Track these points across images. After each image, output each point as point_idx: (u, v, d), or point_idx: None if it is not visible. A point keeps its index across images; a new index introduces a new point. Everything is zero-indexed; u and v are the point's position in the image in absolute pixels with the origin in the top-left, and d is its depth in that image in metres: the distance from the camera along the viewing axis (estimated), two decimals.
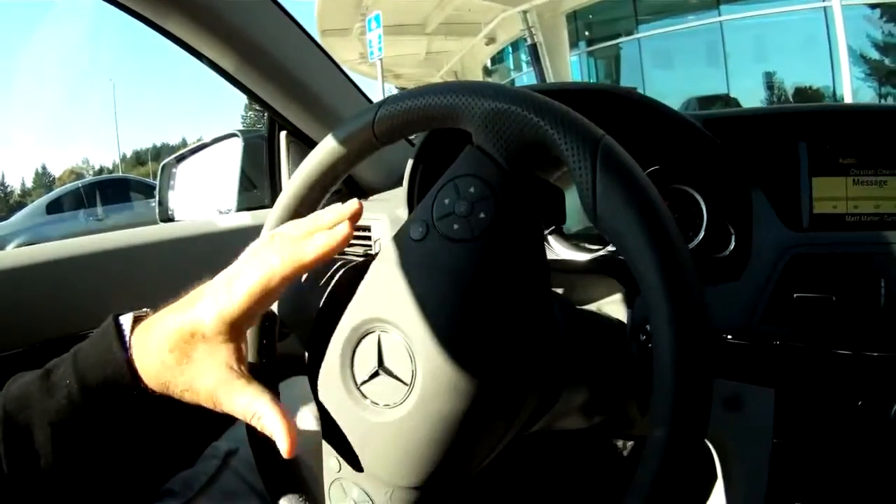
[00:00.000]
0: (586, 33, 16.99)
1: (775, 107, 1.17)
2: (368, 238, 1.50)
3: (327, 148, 0.81)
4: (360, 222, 1.44)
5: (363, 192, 1.75)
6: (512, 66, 20.65)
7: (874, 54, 12.41)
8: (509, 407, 0.69)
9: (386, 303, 0.69)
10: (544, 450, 1.80)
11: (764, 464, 1.04)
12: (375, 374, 0.68)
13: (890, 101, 12.36)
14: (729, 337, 1.04)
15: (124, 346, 0.71)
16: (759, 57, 13.88)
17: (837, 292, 0.99)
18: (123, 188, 15.31)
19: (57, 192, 16.00)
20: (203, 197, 2.01)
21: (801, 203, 1.06)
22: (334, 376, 0.71)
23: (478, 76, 22.47)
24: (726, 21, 13.44)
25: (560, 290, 1.16)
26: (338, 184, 0.85)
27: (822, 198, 1.05)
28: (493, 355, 0.66)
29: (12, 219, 15.21)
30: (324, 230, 0.72)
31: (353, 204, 0.75)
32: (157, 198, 2.14)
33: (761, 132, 1.10)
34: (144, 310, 0.75)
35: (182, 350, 0.69)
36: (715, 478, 1.14)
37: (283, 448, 0.67)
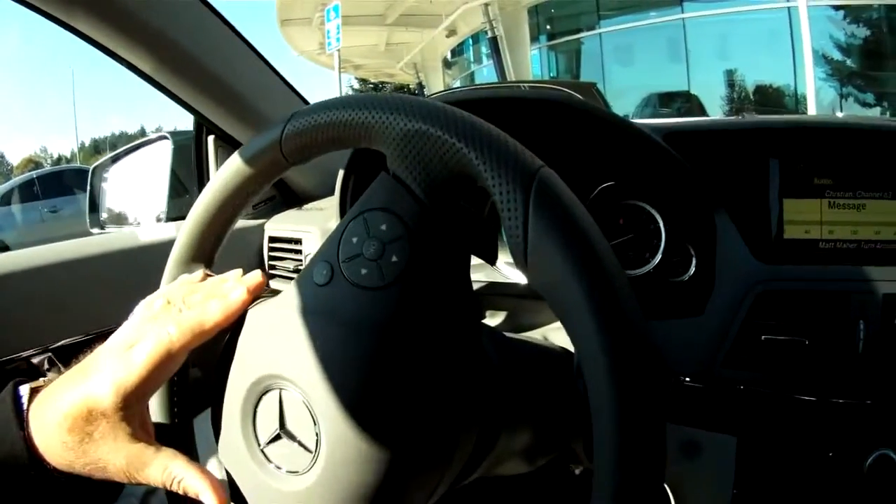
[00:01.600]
0: (548, 27, 17.10)
1: (745, 120, 1.07)
2: (300, 252, 1.42)
3: (233, 168, 0.71)
4: (292, 234, 1.37)
5: (298, 199, 1.64)
6: (472, 59, 20.80)
7: (836, 55, 12.58)
8: (431, 469, 0.60)
9: (285, 357, 0.60)
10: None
11: None
12: (278, 437, 0.60)
13: (850, 101, 12.56)
14: (687, 379, 0.96)
15: (21, 422, 0.63)
16: (722, 55, 14.04)
17: (811, 335, 0.91)
18: (82, 179, 14.97)
19: (10, 183, 15.90)
20: (135, 203, 1.91)
21: (770, 227, 0.97)
22: (236, 435, 0.63)
23: (438, 68, 22.65)
24: (689, 18, 13.52)
25: (502, 315, 1.10)
26: (250, 205, 0.77)
27: (793, 221, 0.97)
28: (406, 419, 0.57)
29: None
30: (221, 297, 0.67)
31: (256, 276, 0.70)
32: (87, 204, 2.02)
33: (729, 148, 1.01)
34: (42, 379, 0.68)
35: (82, 430, 0.61)
36: None
37: None
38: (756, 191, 0.98)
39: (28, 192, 13.80)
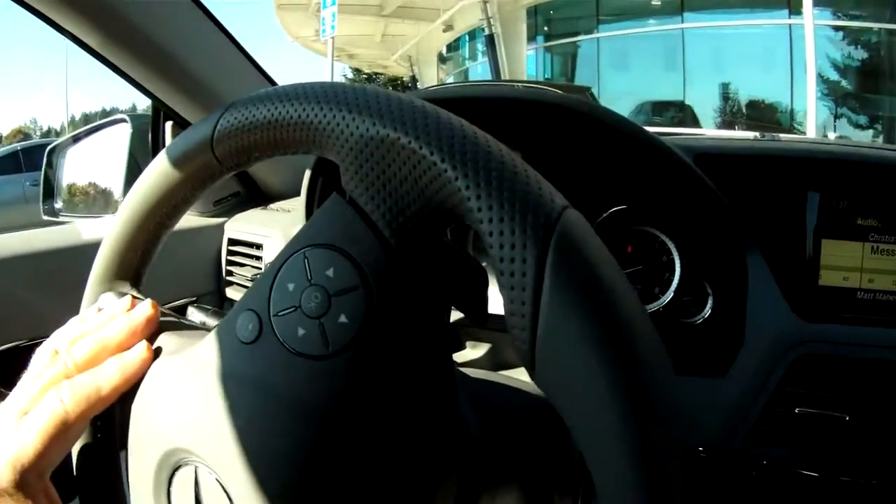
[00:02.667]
0: (545, 28, 17.11)
1: (784, 146, 0.93)
2: (260, 259, 1.28)
3: (159, 171, 0.58)
4: (252, 237, 1.22)
5: (265, 198, 1.49)
6: (467, 55, 20.81)
7: (832, 75, 12.58)
8: None
9: (198, 430, 0.46)
10: None
11: None
12: None
13: (843, 121, 12.57)
14: (701, 451, 0.81)
15: None
16: (718, 67, 14.05)
17: (853, 409, 0.77)
18: None
19: None
20: (92, 191, 1.77)
21: (804, 272, 0.84)
22: None
23: (432, 63, 22.62)
24: (688, 28, 13.50)
25: (485, 348, 0.99)
26: (182, 214, 0.63)
27: (831, 266, 0.84)
28: None
29: None
30: (115, 352, 0.56)
31: (144, 310, 0.57)
32: (41, 191, 1.88)
33: (765, 176, 0.87)
34: None
35: None
36: None
37: None
38: (792, 229, 0.85)
39: (11, 164, 13.70)
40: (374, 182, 0.41)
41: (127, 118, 1.61)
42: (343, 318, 0.41)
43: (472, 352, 0.98)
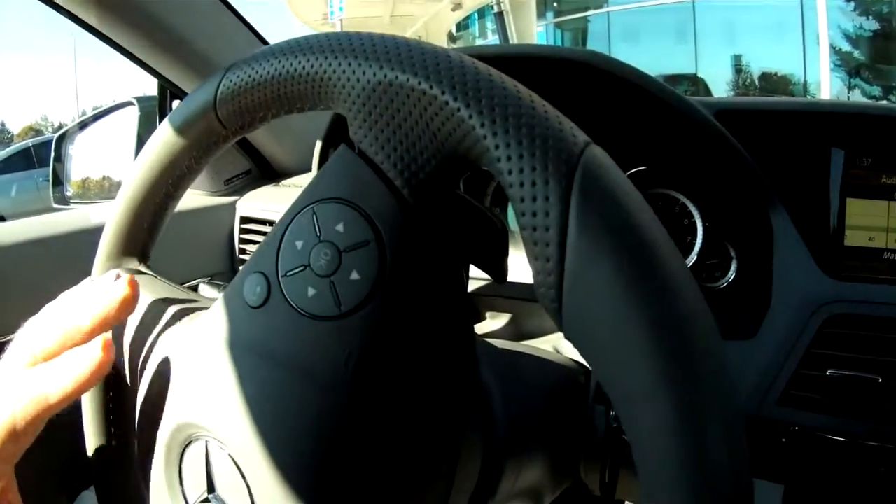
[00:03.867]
0: (555, 4, 17.12)
1: (807, 101, 0.91)
2: None
3: (163, 140, 0.57)
4: (265, 214, 1.22)
5: (276, 175, 1.47)
6: (477, 34, 20.80)
7: (845, 45, 12.56)
8: None
9: (206, 403, 0.45)
10: None
11: None
12: (207, 501, 0.46)
13: (857, 92, 12.60)
14: None
15: None
16: (729, 40, 14.06)
17: (885, 371, 0.75)
18: None
19: (6, 150, 15.99)
20: (99, 175, 1.82)
21: (830, 231, 0.82)
22: (163, 493, 0.50)
23: (443, 42, 22.57)
24: (699, 1, 13.47)
25: (505, 318, 0.97)
26: (188, 184, 0.62)
27: (856, 226, 0.82)
28: (368, 486, 0.41)
29: None
30: (80, 341, 0.51)
31: (117, 292, 0.50)
32: (50, 177, 1.89)
33: (789, 133, 0.85)
34: None
35: None
36: None
37: None
38: (816, 188, 0.83)
39: (23, 160, 13.90)
40: (383, 130, 0.39)
41: (134, 101, 1.62)
42: (355, 275, 0.39)
43: (492, 322, 0.97)
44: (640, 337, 0.30)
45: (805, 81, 12.22)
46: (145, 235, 0.64)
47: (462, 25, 21.65)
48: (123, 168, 1.64)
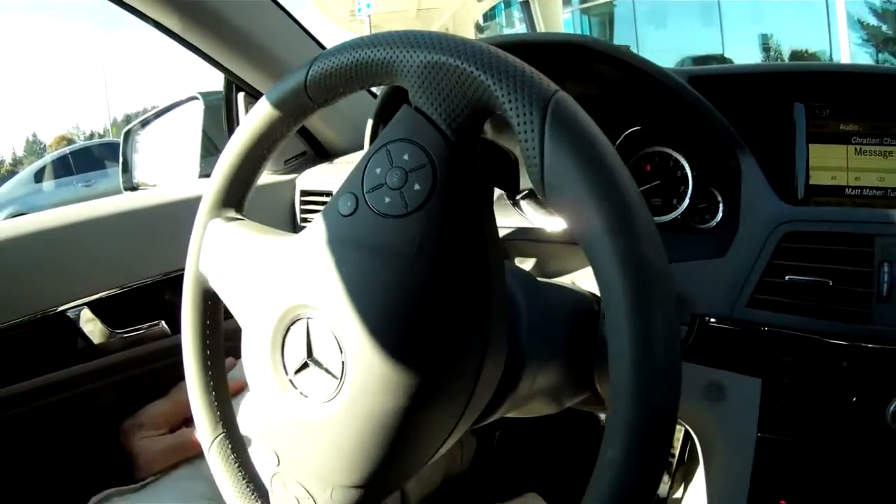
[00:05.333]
0: None
1: (770, 64, 1.08)
2: None
3: (261, 112, 0.73)
4: (324, 187, 1.44)
5: (329, 155, 1.66)
6: (504, 24, 20.57)
7: (872, 20, 12.37)
8: (455, 399, 0.61)
9: (312, 287, 0.62)
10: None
11: (747, 459, 0.98)
12: (305, 366, 0.63)
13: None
14: (712, 320, 0.96)
15: None
16: (756, 19, 13.84)
17: (835, 276, 0.91)
18: (115, 153, 15.14)
19: (45, 159, 16.18)
20: (166, 163, 1.95)
21: (797, 172, 0.98)
22: (265, 365, 0.66)
23: (470, 33, 22.40)
24: None
25: (531, 261, 1.12)
26: (278, 148, 0.78)
27: (819, 167, 0.98)
28: (429, 346, 0.59)
29: (1, 189, 15.31)
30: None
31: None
32: (120, 166, 2.06)
33: (754, 92, 1.01)
34: None
35: None
36: (697, 463, 1.09)
37: None
38: (782, 136, 0.99)
39: (62, 167, 14.18)
40: (432, 93, 0.57)
41: (199, 95, 1.78)
42: (417, 186, 0.57)
43: (520, 264, 1.13)
44: (589, 198, 0.50)
45: (831, 58, 11.92)
46: (242, 189, 0.81)
47: (489, 16, 21.27)
48: (190, 156, 1.78)
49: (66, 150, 15.95)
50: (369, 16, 16.46)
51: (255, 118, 0.74)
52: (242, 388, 1.05)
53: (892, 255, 0.88)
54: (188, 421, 1.04)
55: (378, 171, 0.59)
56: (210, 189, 0.81)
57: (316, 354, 0.61)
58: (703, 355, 0.96)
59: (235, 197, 0.81)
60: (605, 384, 0.80)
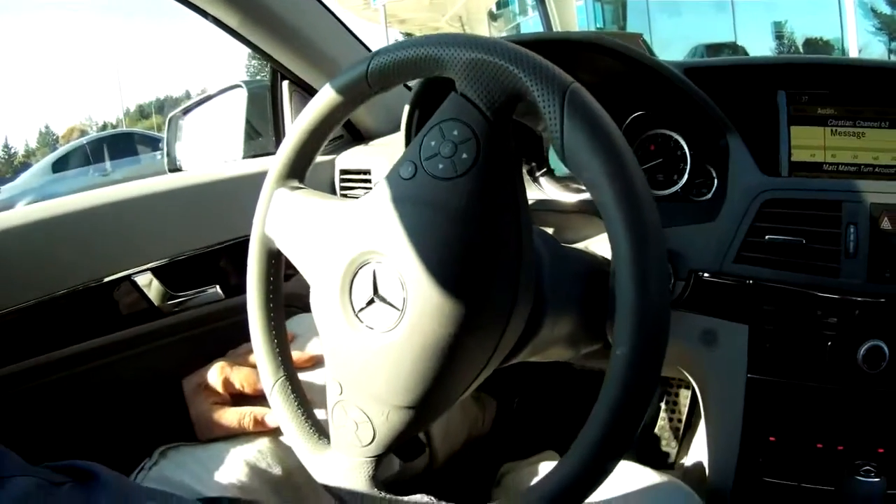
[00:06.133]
0: None
1: (756, 57, 1.21)
2: (369, 181, 1.57)
3: (326, 96, 0.86)
4: (361, 166, 1.55)
5: (364, 138, 1.80)
6: (518, 11, 20.31)
7: (886, 9, 12.27)
8: (491, 332, 0.74)
9: (380, 236, 0.74)
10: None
11: (739, 398, 1.09)
12: (371, 302, 0.74)
13: None
14: (705, 275, 1.08)
15: None
16: (769, 6, 13.73)
17: (808, 236, 1.03)
18: (129, 143, 15.29)
19: (62, 150, 16.03)
20: (209, 147, 2.04)
21: (780, 150, 1.10)
22: (334, 305, 0.78)
23: (483, 21, 22.13)
24: None
25: (550, 230, 1.22)
26: (337, 128, 0.92)
27: (800, 146, 1.10)
28: (474, 282, 0.71)
29: (18, 179, 15.25)
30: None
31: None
32: (164, 150, 2.15)
33: (741, 81, 1.14)
34: None
35: None
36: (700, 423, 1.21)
37: None
38: (766, 119, 1.11)
39: (79, 157, 14.09)
40: (474, 82, 0.72)
41: (242, 84, 1.89)
42: (464, 155, 0.71)
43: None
44: (598, 164, 0.65)
45: (843, 47, 11.81)
46: (305, 163, 0.93)
47: (502, 3, 20.88)
48: (234, 140, 1.88)
49: (83, 140, 15.78)
50: (384, 5, 16.38)
51: (320, 102, 0.87)
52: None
53: (856, 218, 1.00)
54: (248, 397, 1.11)
55: (433, 143, 0.73)
56: (276, 163, 0.93)
57: (381, 291, 0.74)
58: (697, 305, 1.09)
59: (299, 169, 0.94)
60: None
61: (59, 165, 13.99)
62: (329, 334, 0.80)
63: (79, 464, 0.79)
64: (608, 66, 1.14)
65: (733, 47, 12.27)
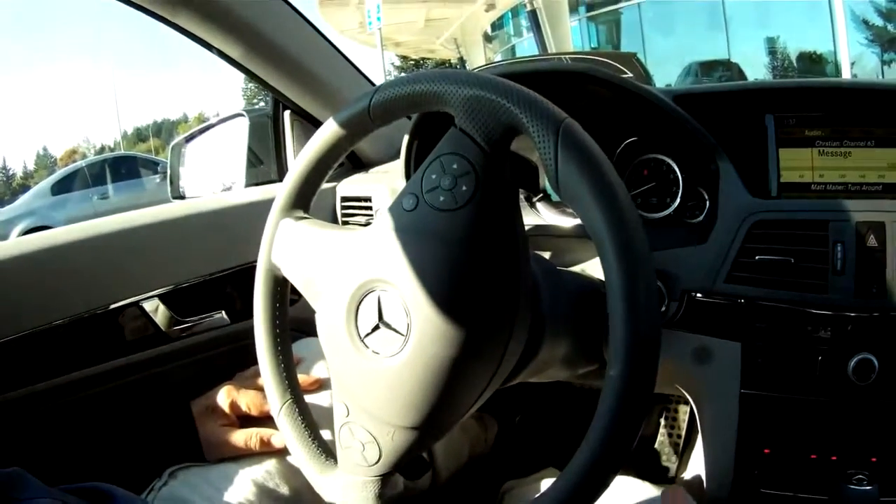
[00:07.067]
0: None
1: (743, 83, 1.24)
2: (370, 208, 1.59)
3: (329, 130, 0.90)
4: (362, 193, 1.57)
5: (364, 165, 1.82)
6: (512, 33, 20.32)
7: (877, 20, 12.30)
8: (492, 354, 0.77)
9: (384, 265, 0.77)
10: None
11: (733, 413, 1.11)
12: (376, 328, 0.77)
13: (894, 67, 12.24)
14: (698, 295, 1.11)
15: None
16: (761, 22, 13.76)
17: (796, 255, 1.05)
18: (129, 165, 15.31)
19: (60, 172, 16.02)
20: (212, 174, 2.07)
21: (769, 172, 1.13)
22: (340, 331, 0.80)
23: (478, 43, 22.22)
24: None
25: (547, 254, 1.25)
26: (340, 160, 0.95)
27: (788, 167, 1.13)
28: (475, 307, 0.74)
29: (17, 202, 15.31)
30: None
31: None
32: (168, 177, 2.18)
33: (729, 106, 1.17)
34: None
35: None
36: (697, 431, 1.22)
37: None
38: (755, 142, 1.14)
39: (79, 181, 14.09)
40: (472, 118, 0.75)
41: (244, 113, 1.92)
42: (464, 188, 0.74)
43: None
44: (590, 196, 0.68)
45: (836, 60, 11.87)
46: (309, 193, 0.96)
47: (497, 25, 20.98)
48: (236, 168, 1.91)
49: (82, 163, 15.77)
50: (380, 28, 16.45)
51: (323, 135, 0.90)
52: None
53: (843, 237, 1.03)
54: (255, 419, 1.13)
55: (433, 176, 0.76)
56: (281, 194, 0.96)
57: (386, 318, 0.76)
58: (691, 324, 1.12)
59: (304, 200, 0.97)
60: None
61: (59, 188, 14.01)
62: (335, 359, 0.83)
63: (94, 485, 0.82)
64: (600, 95, 1.17)
65: (727, 64, 12.30)
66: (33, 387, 1.17)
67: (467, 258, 0.74)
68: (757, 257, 1.07)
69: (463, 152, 0.75)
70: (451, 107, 0.77)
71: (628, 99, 1.16)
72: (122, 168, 14.83)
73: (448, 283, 0.74)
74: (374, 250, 0.79)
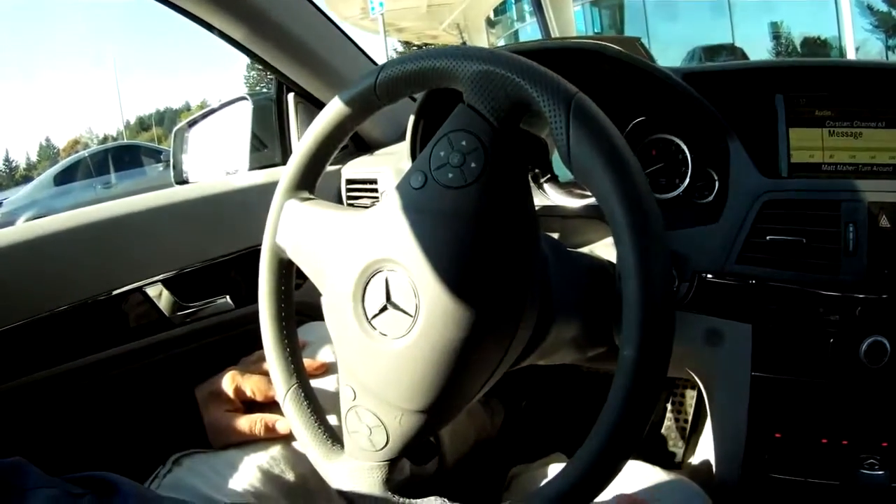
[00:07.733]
0: None
1: (753, 61, 1.22)
2: (375, 190, 1.58)
3: (335, 109, 0.89)
4: (367, 175, 1.57)
5: (369, 147, 1.81)
6: (515, 17, 20.33)
7: (882, 6, 12.25)
8: (502, 336, 0.76)
9: (392, 245, 0.76)
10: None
11: (744, 396, 1.10)
12: (384, 309, 0.76)
13: None
14: (709, 276, 1.09)
15: None
16: (766, 6, 13.72)
17: (808, 235, 1.04)
18: (132, 155, 15.31)
19: (63, 162, 16.01)
20: (215, 159, 2.06)
21: (780, 152, 1.11)
22: (347, 313, 0.80)
23: (481, 28, 22.14)
24: None
25: (556, 235, 1.24)
26: (345, 140, 0.94)
27: (799, 147, 1.11)
28: (485, 287, 0.73)
29: (20, 192, 15.29)
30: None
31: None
32: (171, 162, 2.17)
33: (739, 85, 1.15)
34: None
35: None
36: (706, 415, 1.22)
37: None
38: (765, 122, 1.12)
39: (82, 170, 14.10)
40: (482, 94, 0.74)
41: (247, 96, 1.91)
42: (473, 164, 0.73)
43: None
44: (603, 171, 0.67)
45: (840, 44, 11.87)
46: (314, 174, 0.96)
47: (500, 10, 20.92)
48: (239, 151, 1.89)
49: (85, 153, 15.73)
50: (382, 14, 16.39)
51: (328, 114, 0.89)
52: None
53: (855, 217, 1.02)
54: (260, 405, 1.12)
55: (442, 153, 0.75)
56: (286, 175, 0.95)
57: (394, 298, 0.76)
58: (702, 306, 1.10)
59: (309, 181, 0.96)
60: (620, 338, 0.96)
61: (62, 178, 14.03)
62: (342, 341, 0.82)
63: (98, 475, 0.81)
64: (609, 73, 1.16)
65: (731, 49, 12.26)
66: (36, 374, 1.16)
67: (477, 236, 0.73)
68: (768, 237, 1.06)
69: (471, 129, 0.74)
70: (460, 82, 0.75)
71: (637, 77, 1.15)
72: (125, 157, 14.83)
73: (457, 262, 0.73)
74: (381, 230, 0.79)
